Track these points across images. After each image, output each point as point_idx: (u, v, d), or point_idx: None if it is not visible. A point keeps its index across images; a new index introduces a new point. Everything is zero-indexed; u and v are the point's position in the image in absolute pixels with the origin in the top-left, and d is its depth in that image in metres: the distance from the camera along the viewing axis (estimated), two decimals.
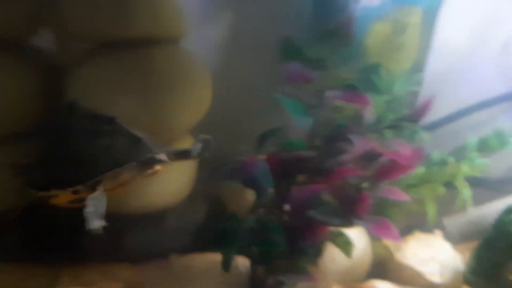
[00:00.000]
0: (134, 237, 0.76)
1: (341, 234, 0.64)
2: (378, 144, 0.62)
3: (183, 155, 0.59)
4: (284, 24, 0.95)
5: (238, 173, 0.55)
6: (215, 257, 0.76)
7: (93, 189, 0.53)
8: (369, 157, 0.62)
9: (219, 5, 0.93)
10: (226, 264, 0.56)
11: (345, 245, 0.64)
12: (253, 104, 0.90)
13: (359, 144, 0.59)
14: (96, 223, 0.51)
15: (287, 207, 0.61)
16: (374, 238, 0.76)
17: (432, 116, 0.85)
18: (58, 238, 0.72)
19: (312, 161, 0.58)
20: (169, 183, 0.75)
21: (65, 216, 0.64)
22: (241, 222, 0.56)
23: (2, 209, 0.67)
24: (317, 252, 0.62)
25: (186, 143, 0.80)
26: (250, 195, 0.77)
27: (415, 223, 0.81)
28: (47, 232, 0.71)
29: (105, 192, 0.54)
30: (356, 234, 0.70)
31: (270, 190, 0.55)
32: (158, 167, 0.56)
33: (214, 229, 0.58)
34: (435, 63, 0.97)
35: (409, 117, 0.61)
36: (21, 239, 0.72)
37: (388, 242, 0.77)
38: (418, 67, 0.97)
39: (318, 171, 0.59)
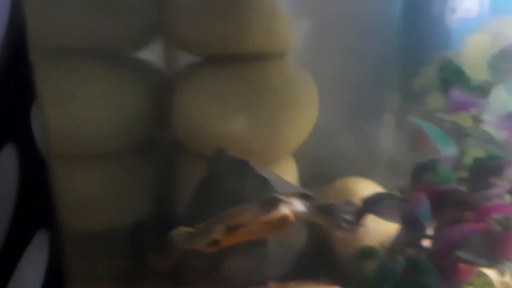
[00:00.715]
0: (232, 263, 0.72)
1: (483, 275, 0.58)
2: None
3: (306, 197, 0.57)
4: (374, 38, 0.90)
5: (397, 210, 0.50)
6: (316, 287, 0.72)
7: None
8: None
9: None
10: None
11: (486, 287, 0.58)
12: (352, 125, 0.85)
13: None
14: None
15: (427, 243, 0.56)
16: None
17: None
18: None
19: (462, 195, 0.53)
20: None
21: None
22: (390, 262, 0.50)
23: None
24: None
25: (288, 165, 0.75)
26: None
27: None
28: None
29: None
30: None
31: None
32: (288, 214, 0.53)
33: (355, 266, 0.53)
34: None
35: None
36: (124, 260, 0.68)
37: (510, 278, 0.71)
38: None
39: (467, 206, 0.53)
